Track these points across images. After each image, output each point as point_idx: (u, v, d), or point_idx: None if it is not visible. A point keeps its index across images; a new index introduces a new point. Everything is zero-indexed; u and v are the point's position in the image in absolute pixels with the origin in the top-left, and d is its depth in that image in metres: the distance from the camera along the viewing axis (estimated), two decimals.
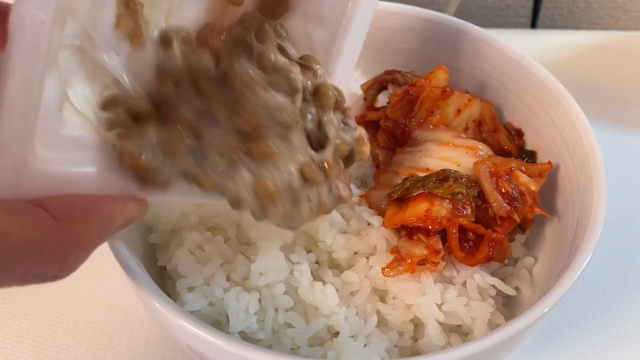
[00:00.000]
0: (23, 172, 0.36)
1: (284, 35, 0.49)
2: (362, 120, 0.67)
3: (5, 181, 0.36)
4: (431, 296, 0.53)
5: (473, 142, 0.60)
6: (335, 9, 0.50)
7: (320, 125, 0.48)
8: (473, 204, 0.55)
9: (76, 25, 0.38)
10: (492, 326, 0.55)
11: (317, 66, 0.49)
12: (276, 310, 0.54)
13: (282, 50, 0.48)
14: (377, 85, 0.68)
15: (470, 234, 0.54)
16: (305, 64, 0.48)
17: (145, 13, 0.43)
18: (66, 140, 0.39)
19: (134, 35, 0.42)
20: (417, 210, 0.54)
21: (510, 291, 0.57)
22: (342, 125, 0.50)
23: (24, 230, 0.33)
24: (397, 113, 0.63)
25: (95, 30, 0.40)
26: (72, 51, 0.39)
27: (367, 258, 0.57)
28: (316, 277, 0.57)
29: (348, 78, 0.53)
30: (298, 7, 0.51)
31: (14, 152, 0.35)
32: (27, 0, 0.33)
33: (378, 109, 0.68)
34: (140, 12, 0.42)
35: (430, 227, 0.54)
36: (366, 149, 0.51)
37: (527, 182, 0.56)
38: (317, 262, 0.58)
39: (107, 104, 0.42)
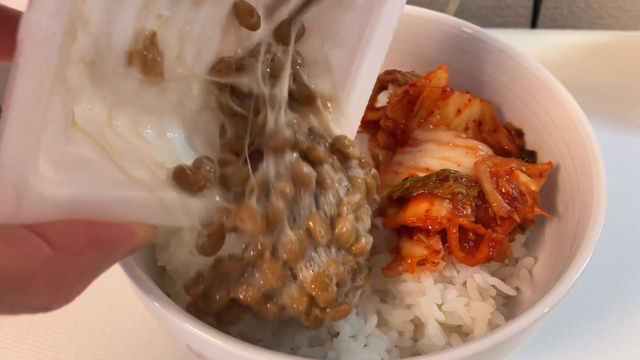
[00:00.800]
0: (23, 193, 0.33)
1: (300, 62, 0.49)
2: (362, 120, 0.67)
3: (2, 203, 0.32)
4: (431, 296, 0.53)
5: (473, 142, 0.60)
6: (354, 31, 0.50)
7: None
8: (473, 204, 0.55)
9: (88, 39, 0.37)
10: (492, 326, 0.55)
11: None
12: None
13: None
14: (377, 85, 0.68)
15: (471, 234, 0.54)
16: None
17: (160, 42, 0.41)
18: (72, 160, 0.36)
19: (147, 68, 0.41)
20: (417, 211, 0.54)
21: (510, 291, 0.57)
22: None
23: (15, 259, 0.31)
24: (397, 113, 0.63)
25: (108, 48, 0.38)
26: (81, 67, 0.37)
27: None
28: None
29: (367, 96, 0.54)
30: (314, 28, 0.50)
31: (14, 171, 0.32)
32: (38, 9, 0.31)
33: (378, 109, 0.68)
34: (156, 54, 0.41)
35: (430, 227, 0.53)
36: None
37: (528, 182, 0.56)
38: None
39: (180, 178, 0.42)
